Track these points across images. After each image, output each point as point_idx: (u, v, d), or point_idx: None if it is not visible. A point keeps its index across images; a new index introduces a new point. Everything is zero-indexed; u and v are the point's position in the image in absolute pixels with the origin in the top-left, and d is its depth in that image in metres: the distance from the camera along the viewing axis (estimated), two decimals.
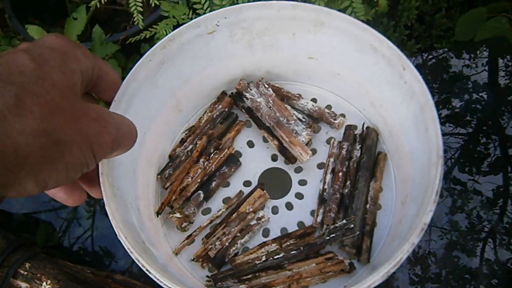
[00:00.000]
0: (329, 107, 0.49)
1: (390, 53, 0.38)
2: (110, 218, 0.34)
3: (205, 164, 0.46)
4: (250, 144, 0.49)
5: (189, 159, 0.47)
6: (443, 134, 0.52)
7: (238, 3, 0.45)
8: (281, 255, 0.42)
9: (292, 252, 0.42)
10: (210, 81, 0.49)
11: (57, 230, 0.54)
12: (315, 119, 0.48)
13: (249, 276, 0.42)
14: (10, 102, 0.22)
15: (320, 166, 0.47)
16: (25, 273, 0.43)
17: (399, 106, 0.41)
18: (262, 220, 0.44)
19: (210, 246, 0.43)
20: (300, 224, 0.45)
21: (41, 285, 0.42)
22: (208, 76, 0.48)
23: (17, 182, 0.22)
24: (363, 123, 0.47)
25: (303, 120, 0.48)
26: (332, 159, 0.46)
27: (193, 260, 0.43)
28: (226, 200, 0.47)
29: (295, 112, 0.48)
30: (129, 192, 0.40)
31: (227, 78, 0.49)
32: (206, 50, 0.45)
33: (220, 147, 0.48)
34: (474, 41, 0.71)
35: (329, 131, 0.48)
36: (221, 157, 0.47)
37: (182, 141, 0.49)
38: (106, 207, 0.34)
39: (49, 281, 0.42)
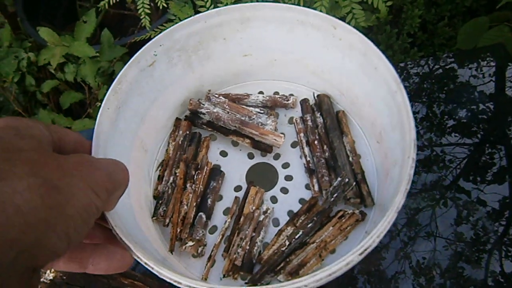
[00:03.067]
0: (277, 93, 0.53)
1: (318, 20, 0.43)
2: (151, 268, 0.33)
3: (193, 187, 0.47)
4: (224, 154, 0.51)
5: (177, 189, 0.47)
6: (448, 144, 0.53)
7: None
8: (300, 233, 0.44)
9: (308, 226, 0.44)
10: (162, 112, 0.49)
11: None
12: (270, 107, 0.51)
13: (282, 264, 0.43)
14: None
15: (294, 145, 0.50)
16: None
17: (341, 63, 0.45)
18: (268, 212, 0.46)
19: (234, 256, 0.44)
20: (302, 200, 0.47)
21: (45, 272, 0.40)
22: (159, 107, 0.49)
23: (38, 244, 0.22)
24: (313, 93, 0.51)
25: (262, 112, 0.51)
26: (302, 134, 0.49)
27: (224, 276, 0.43)
28: (226, 211, 0.47)
29: (251, 108, 0.51)
30: (142, 239, 0.39)
31: (176, 104, 0.50)
32: (151, 83, 0.46)
33: (199, 166, 0.48)
34: (476, 48, 0.71)
35: (287, 113, 0.52)
36: (205, 175, 0.48)
37: (160, 178, 0.49)
38: (137, 259, 0.34)
39: (52, 269, 0.40)
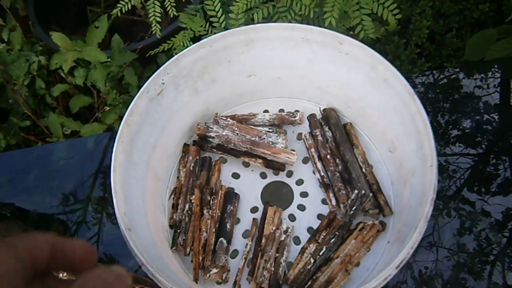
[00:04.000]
0: (282, 110, 0.53)
1: (323, 37, 0.43)
2: None
3: (210, 212, 0.46)
4: (236, 176, 0.50)
5: (194, 216, 0.46)
6: (453, 154, 0.52)
7: (252, 18, 0.47)
8: (324, 249, 0.44)
9: (332, 241, 0.44)
10: (171, 139, 0.49)
11: (67, 233, 0.53)
12: (278, 125, 0.51)
13: (309, 283, 0.43)
14: None
15: (305, 160, 0.50)
16: None
17: (347, 77, 0.46)
18: (289, 230, 0.46)
19: (261, 279, 0.43)
20: (320, 216, 0.47)
21: None
22: (168, 135, 0.48)
23: None
24: (319, 108, 0.51)
25: (270, 130, 0.51)
26: (313, 149, 0.49)
27: None
28: (245, 234, 0.47)
29: (259, 128, 0.51)
30: (172, 275, 0.39)
31: (184, 129, 0.50)
32: (160, 111, 0.45)
33: (213, 191, 0.48)
34: (484, 60, 0.70)
35: (294, 129, 0.52)
36: (220, 199, 0.47)
37: (174, 206, 0.48)
38: None
39: None
